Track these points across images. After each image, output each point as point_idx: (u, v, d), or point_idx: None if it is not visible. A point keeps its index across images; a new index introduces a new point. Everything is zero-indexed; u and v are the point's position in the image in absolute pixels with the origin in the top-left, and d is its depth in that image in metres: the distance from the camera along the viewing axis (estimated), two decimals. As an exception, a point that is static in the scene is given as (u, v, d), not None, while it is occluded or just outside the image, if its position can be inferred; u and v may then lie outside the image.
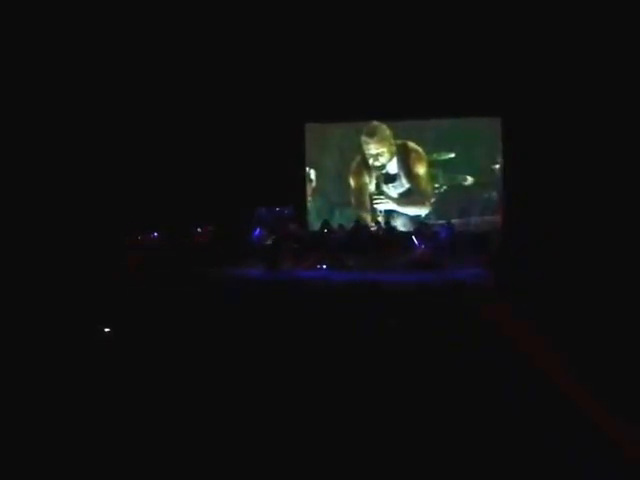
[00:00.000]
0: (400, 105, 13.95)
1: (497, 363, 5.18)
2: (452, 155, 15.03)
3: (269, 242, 12.74)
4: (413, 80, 13.76)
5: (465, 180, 15.08)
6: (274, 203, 13.92)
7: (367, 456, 3.68)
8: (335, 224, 14.18)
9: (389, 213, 15.07)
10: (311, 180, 15.67)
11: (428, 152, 15.16)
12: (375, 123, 15.25)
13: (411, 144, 15.23)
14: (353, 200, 15.53)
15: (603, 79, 12.81)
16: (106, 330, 6.58)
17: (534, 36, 13.04)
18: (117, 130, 13.46)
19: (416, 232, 13.29)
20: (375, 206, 15.35)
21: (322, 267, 12.31)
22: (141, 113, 13.51)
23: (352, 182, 15.56)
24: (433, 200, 15.20)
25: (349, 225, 14.06)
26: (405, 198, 15.32)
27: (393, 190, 15.37)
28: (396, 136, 15.27)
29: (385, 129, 15.27)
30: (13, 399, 4.62)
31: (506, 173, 14.54)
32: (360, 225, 13.99)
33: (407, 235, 13.39)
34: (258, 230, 13.36)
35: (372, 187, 15.45)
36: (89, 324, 6.79)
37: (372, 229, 14.07)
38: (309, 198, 15.68)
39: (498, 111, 14.25)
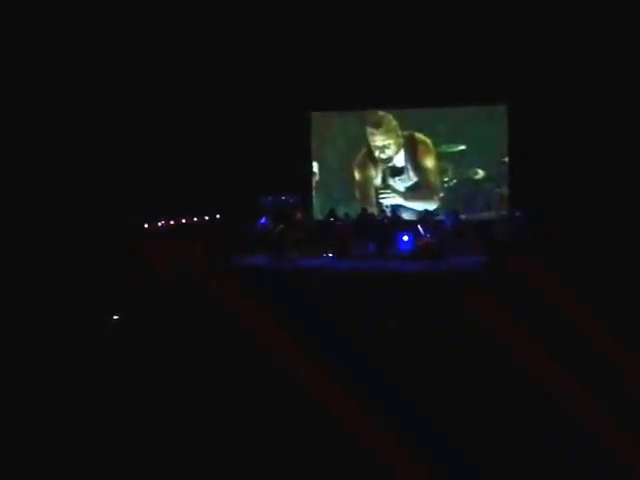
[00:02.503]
0: (407, 93, 13.37)
1: (497, 363, 5.14)
2: (462, 147, 14.34)
3: (275, 231, 12.68)
4: (421, 67, 13.24)
5: (476, 174, 14.40)
6: (280, 192, 13.71)
7: (368, 453, 3.62)
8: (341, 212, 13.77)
9: (396, 208, 14.36)
10: (314, 174, 15.13)
11: (437, 144, 14.48)
12: (381, 113, 14.64)
13: (419, 135, 14.57)
14: (358, 194, 14.90)
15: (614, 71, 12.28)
16: (114, 317, 6.67)
17: (544, 22, 12.53)
18: (127, 121, 13.24)
19: (421, 221, 12.93)
20: (381, 200, 14.70)
21: (328, 255, 12.32)
22: (148, 105, 13.25)
23: (357, 175, 14.95)
24: (442, 194, 14.54)
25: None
26: (412, 192, 14.66)
27: (400, 184, 14.74)
28: (403, 127, 14.62)
29: (391, 120, 14.64)
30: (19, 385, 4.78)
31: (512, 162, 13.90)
32: (366, 214, 13.55)
33: (412, 224, 13.02)
34: (264, 219, 13.15)
35: (378, 181, 14.83)
36: (99, 312, 6.98)
37: (378, 218, 13.60)
38: (312, 193, 15.14)
39: (506, 99, 13.60)
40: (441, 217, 13.16)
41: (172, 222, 13.43)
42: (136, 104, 13.13)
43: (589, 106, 12.49)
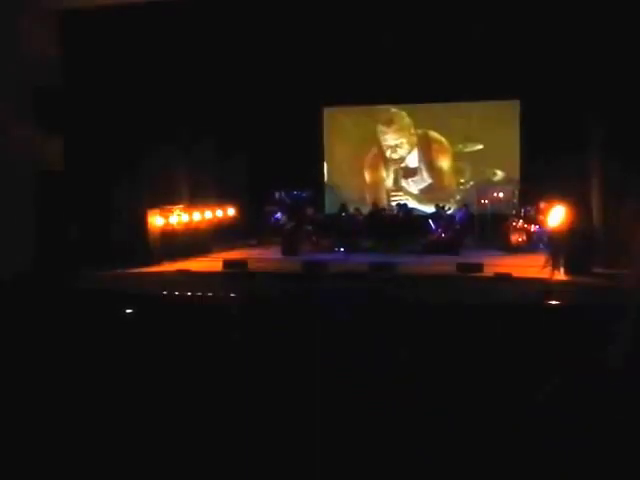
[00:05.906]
0: (420, 88, 12.59)
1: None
2: (480, 146, 13.45)
3: (288, 225, 12.58)
4: (434, 62, 12.45)
5: (494, 175, 13.47)
6: (293, 187, 13.40)
7: (374, 452, 3.39)
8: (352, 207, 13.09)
9: (408, 211, 13.29)
10: (323, 175, 14.12)
11: (453, 143, 13.60)
12: (393, 110, 13.79)
13: (433, 134, 13.72)
14: (368, 197, 13.98)
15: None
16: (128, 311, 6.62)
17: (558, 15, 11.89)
18: (141, 115, 12.35)
19: (433, 215, 12.45)
20: (393, 203, 13.69)
21: (339, 250, 12.04)
22: (163, 101, 12.37)
23: (367, 176, 14.10)
24: (458, 197, 13.56)
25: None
26: (426, 194, 13.75)
27: (413, 185, 13.89)
28: (417, 125, 13.77)
29: (404, 117, 13.80)
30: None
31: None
32: (378, 208, 12.89)
33: (424, 218, 12.53)
34: (278, 214, 12.88)
35: (390, 182, 14.01)
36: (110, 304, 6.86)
37: (390, 213, 12.92)
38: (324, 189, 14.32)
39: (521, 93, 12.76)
40: (452, 211, 12.64)
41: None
42: (151, 99, 12.31)
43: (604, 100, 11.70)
